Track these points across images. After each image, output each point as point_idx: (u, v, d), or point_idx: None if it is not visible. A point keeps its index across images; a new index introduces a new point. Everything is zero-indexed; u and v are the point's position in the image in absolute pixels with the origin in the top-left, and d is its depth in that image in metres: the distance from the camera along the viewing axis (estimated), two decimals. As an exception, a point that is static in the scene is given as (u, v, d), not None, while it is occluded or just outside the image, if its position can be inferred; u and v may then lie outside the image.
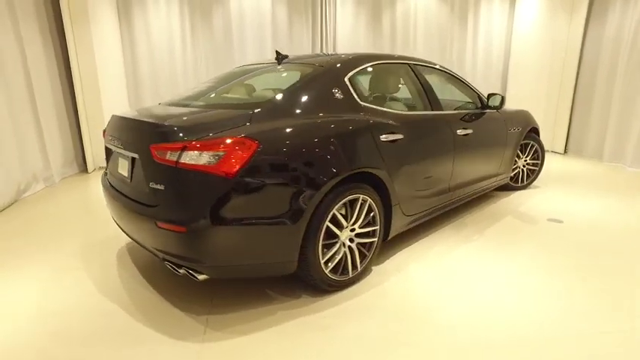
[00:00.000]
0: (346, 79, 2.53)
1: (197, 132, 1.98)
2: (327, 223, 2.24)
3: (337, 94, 2.43)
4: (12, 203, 4.08)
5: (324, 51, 6.81)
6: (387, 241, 2.80)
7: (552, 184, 4.85)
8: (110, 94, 5.57)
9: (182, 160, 1.92)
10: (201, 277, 2.04)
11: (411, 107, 3.11)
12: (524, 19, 6.99)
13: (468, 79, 7.35)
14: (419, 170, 2.84)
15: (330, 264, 2.32)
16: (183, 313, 2.23)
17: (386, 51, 7.04)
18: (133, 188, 2.22)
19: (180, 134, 1.97)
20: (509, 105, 7.14)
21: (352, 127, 2.35)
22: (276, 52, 2.92)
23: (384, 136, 2.52)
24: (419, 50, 7.15)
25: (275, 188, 2.02)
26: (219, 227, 1.93)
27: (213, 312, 2.24)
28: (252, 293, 2.42)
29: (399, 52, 7.09)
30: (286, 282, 2.51)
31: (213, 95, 2.69)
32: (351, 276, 2.46)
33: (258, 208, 1.99)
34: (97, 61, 5.23)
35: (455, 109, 3.53)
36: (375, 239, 2.57)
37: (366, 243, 2.55)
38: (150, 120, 2.16)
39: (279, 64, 2.87)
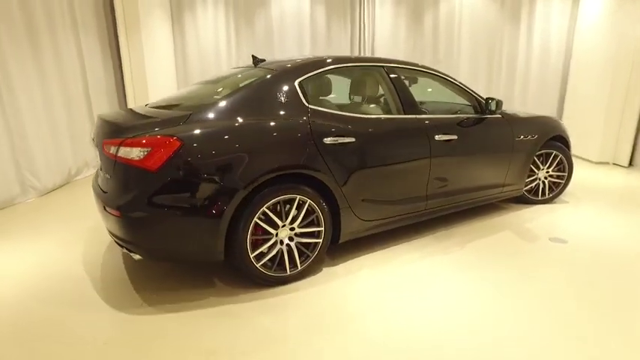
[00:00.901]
0: (296, 83, 2.60)
1: (135, 130, 2.24)
2: (257, 220, 2.36)
3: (281, 98, 2.53)
4: (64, 184, 4.84)
5: (362, 53, 6.82)
6: (353, 242, 2.83)
7: (589, 200, 4.32)
8: (158, 92, 6.23)
9: (119, 154, 2.20)
10: (136, 257, 2.31)
11: (375, 111, 3.07)
12: (590, 12, 6.24)
13: (520, 80, 6.81)
14: (378, 175, 2.80)
15: (263, 259, 2.44)
16: (134, 289, 2.53)
17: (427, 52, 6.81)
18: (101, 178, 2.57)
19: (121, 132, 2.25)
20: (570, 108, 6.47)
21: (286, 130, 2.44)
22: (252, 56, 3.09)
23: (329, 139, 2.55)
24: (463, 51, 6.80)
25: (197, 184, 2.20)
26: (145, 215, 2.17)
27: (159, 291, 2.50)
28: (200, 279, 2.63)
29: (441, 53, 6.81)
30: (237, 273, 2.68)
31: (185, 97, 2.95)
32: (289, 273, 2.55)
33: (180, 200, 2.19)
34: (147, 66, 5.88)
35: (453, 114, 3.39)
36: (320, 240, 2.62)
37: (309, 243, 2.62)
38: (107, 119, 2.48)
39: (255, 68, 3.04)
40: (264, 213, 2.38)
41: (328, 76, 2.88)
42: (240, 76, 2.91)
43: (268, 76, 2.61)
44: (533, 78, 6.94)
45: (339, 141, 2.59)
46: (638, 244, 3.22)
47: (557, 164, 4.10)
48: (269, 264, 2.48)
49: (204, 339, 2.05)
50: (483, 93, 6.91)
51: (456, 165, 3.25)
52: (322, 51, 6.88)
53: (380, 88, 3.09)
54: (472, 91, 3.52)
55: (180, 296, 2.45)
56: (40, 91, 4.34)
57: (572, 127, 6.46)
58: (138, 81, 5.91)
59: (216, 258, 2.35)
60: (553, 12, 6.69)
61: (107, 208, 2.28)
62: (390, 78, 3.03)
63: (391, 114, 3.01)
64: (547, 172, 4.09)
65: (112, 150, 2.23)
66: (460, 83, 3.49)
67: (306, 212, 2.54)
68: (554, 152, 4.03)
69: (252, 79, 2.63)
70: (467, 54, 6.83)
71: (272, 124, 2.42)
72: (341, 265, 2.85)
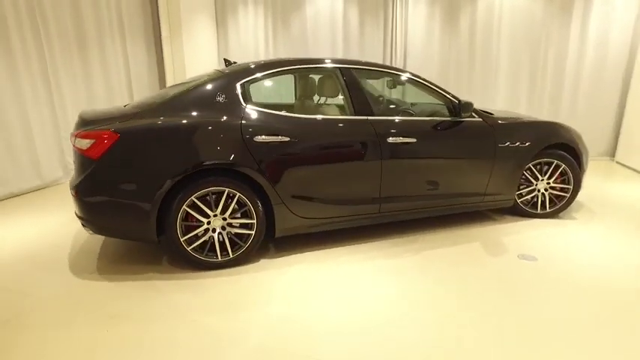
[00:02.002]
0: (238, 85, 2.81)
1: (90, 124, 2.64)
2: (187, 208, 2.63)
3: (220, 99, 2.75)
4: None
5: (394, 53, 6.71)
6: (304, 238, 2.98)
7: (605, 219, 3.82)
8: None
9: (75, 144, 2.62)
10: (89, 232, 2.73)
11: (320, 111, 3.12)
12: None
13: (570, 86, 6.19)
14: (315, 175, 2.88)
15: (194, 243, 2.71)
16: (97, 259, 2.97)
17: (463, 51, 6.48)
18: None
19: (83, 125, 2.67)
20: (632, 118, 5.75)
21: (216, 128, 2.65)
22: (224, 59, 3.35)
23: (260, 137, 2.71)
24: (503, 51, 6.32)
25: (131, 172, 2.54)
26: (92, 196, 2.57)
27: (114, 263, 2.91)
28: (155, 258, 2.98)
29: (478, 53, 6.42)
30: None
31: (152, 97, 3.19)
32: (220, 259, 2.78)
33: (118, 185, 2.54)
34: (187, 66, 6.51)
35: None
36: (252, 232, 2.81)
37: (243, 234, 2.82)
38: (81, 116, 2.91)
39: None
40: (194, 202, 2.64)
41: (279, 77, 3.03)
42: (202, 79, 3.19)
43: (215, 78, 2.85)
44: (585, 84, 6.20)
45: (272, 140, 2.74)
46: (622, 279, 2.83)
47: (562, 175, 3.72)
48: (199, 249, 2.74)
49: (117, 305, 2.39)
50: (525, 99, 6.37)
51: (416, 169, 3.17)
52: (355, 51, 6.93)
53: (331, 89, 3.14)
54: (446, 92, 3.37)
55: (127, 269, 2.82)
56: (85, 90, 5.12)
57: (634, 141, 5.68)
58: (179, 79, 6.58)
59: (150, 239, 2.67)
60: (616, 6, 5.90)
61: (70, 189, 2.73)
62: (343, 79, 3.07)
63: (339, 115, 3.06)
64: (548, 183, 3.73)
65: (73, 140, 2.67)
66: (432, 84, 3.36)
67: (239, 205, 2.75)
68: (556, 162, 3.66)
69: (203, 81, 2.89)
70: (507, 54, 6.34)
71: (204, 122, 2.66)
72: (281, 258, 2.99)
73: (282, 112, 2.87)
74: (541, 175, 3.69)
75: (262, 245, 3.07)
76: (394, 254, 3.07)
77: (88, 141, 2.54)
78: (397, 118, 3.16)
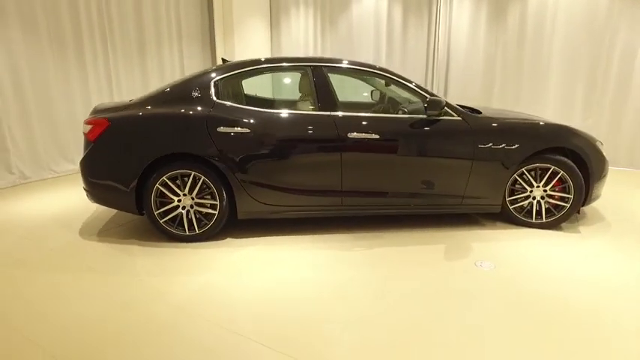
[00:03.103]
0: (212, 82, 3.18)
1: (95, 113, 3.25)
2: (159, 186, 3.09)
3: (195, 94, 3.14)
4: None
5: (436, 54, 6.52)
6: (276, 223, 3.29)
7: (618, 236, 3.41)
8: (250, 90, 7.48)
9: (83, 129, 3.25)
10: (90, 200, 3.34)
11: (285, 106, 3.32)
12: None
13: (637, 87, 5.37)
14: (273, 164, 3.13)
15: (166, 217, 3.16)
16: (105, 223, 3.62)
17: (509, 48, 6.05)
18: None
19: (91, 114, 3.29)
20: None
21: (187, 119, 3.05)
22: (222, 59, 3.75)
23: (222, 128, 3.05)
24: (556, 48, 5.73)
25: (117, 153, 3.08)
26: (89, 171, 3.17)
27: (117, 227, 3.52)
28: (143, 228, 3.52)
29: (527, 52, 5.92)
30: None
31: (152, 91, 3.54)
32: (187, 234, 3.20)
33: (107, 164, 3.11)
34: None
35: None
36: (216, 212, 3.17)
37: (208, 213, 3.19)
38: (95, 107, 3.53)
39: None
40: (165, 182, 3.09)
41: (255, 75, 3.33)
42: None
43: (195, 76, 3.26)
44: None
45: (234, 131, 3.06)
46: (571, 296, 2.58)
47: (562, 182, 3.39)
48: (171, 222, 3.19)
49: (94, 260, 2.94)
50: (580, 102, 5.71)
51: (380, 166, 3.22)
52: (398, 50, 6.89)
53: (302, 86, 3.33)
54: (421, 89, 3.32)
55: (118, 235, 3.38)
56: (141, 88, 6.00)
57: None
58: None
59: (133, 210, 3.19)
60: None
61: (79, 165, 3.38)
62: (313, 78, 3.25)
63: (304, 110, 3.24)
64: (545, 190, 3.43)
65: (83, 126, 3.31)
66: (406, 81, 3.34)
67: (205, 187, 3.13)
68: (553, 168, 3.35)
69: (187, 77, 3.33)
70: (561, 52, 5.72)
71: (178, 113, 3.09)
72: (244, 239, 3.31)
73: (246, 107, 3.17)
74: (536, 181, 3.42)
75: (235, 226, 3.42)
76: (352, 247, 3.17)
77: (89, 126, 3.15)
78: (361, 115, 3.24)
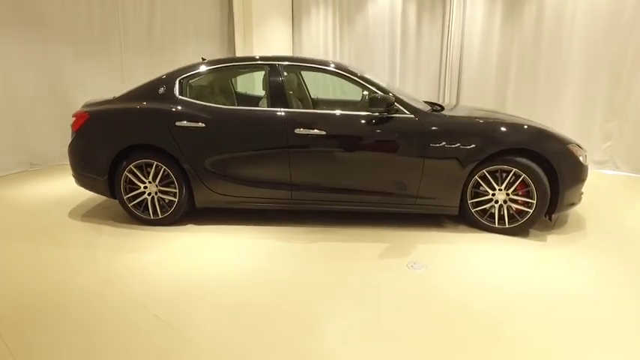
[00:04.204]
0: (177, 80, 3.44)
1: (83, 107, 3.67)
2: (127, 173, 3.43)
3: (161, 90, 3.43)
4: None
5: (450, 49, 6.30)
6: (236, 214, 3.51)
7: (587, 247, 3.16)
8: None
9: (72, 122, 3.70)
10: (76, 184, 3.77)
11: (243, 103, 3.50)
12: None
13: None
14: (227, 157, 3.33)
15: (133, 202, 3.50)
16: (93, 206, 4.06)
17: (525, 46, 5.72)
18: None
19: (78, 108, 3.73)
20: None
21: (149, 113, 3.35)
22: (202, 58, 4.02)
23: (179, 122, 3.30)
24: (575, 46, 5.30)
25: (94, 143, 3.47)
26: (73, 157, 3.59)
27: (100, 211, 3.94)
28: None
29: (544, 49, 5.53)
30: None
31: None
32: (152, 218, 3.50)
33: (87, 152, 3.51)
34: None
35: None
36: (176, 199, 3.44)
37: (172, 200, 3.48)
38: (85, 102, 3.96)
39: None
40: (132, 170, 3.42)
41: (218, 73, 3.56)
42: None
43: (164, 75, 3.56)
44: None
45: (190, 125, 3.31)
46: (489, 304, 2.46)
47: (527, 186, 3.20)
48: (138, 206, 3.52)
49: (69, 235, 3.35)
50: (602, 104, 5.26)
51: (327, 162, 3.28)
52: (412, 49, 6.77)
53: (258, 83, 3.48)
54: (375, 85, 3.30)
55: (100, 216, 3.77)
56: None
57: None
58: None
59: (109, 195, 3.57)
60: None
61: None
62: (269, 75, 3.39)
63: (258, 106, 3.39)
64: (507, 194, 3.26)
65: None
66: (359, 78, 3.34)
67: (167, 176, 3.41)
68: (515, 170, 3.18)
69: (161, 75, 3.63)
70: (581, 51, 5.26)
71: (142, 108, 3.40)
72: (203, 226, 3.54)
73: (205, 103, 3.40)
74: (497, 184, 3.26)
75: (203, 214, 3.67)
76: (297, 239, 3.28)
77: (74, 118, 3.58)
78: (308, 111, 3.32)
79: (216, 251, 3.09)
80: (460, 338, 2.09)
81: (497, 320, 2.24)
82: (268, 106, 3.35)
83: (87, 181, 3.63)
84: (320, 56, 7.64)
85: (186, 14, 6.68)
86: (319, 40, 7.69)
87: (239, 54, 7.38)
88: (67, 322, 2.24)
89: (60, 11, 5.34)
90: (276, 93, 3.35)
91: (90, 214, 3.84)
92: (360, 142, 3.27)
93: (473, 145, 3.18)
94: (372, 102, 3.13)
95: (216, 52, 7.28)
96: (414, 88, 6.83)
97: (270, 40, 7.50)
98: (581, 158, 3.28)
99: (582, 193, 3.52)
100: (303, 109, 3.63)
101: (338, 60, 7.59)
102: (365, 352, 1.99)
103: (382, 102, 3.12)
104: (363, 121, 3.26)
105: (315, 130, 3.24)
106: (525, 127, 3.30)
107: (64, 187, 4.72)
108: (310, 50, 7.77)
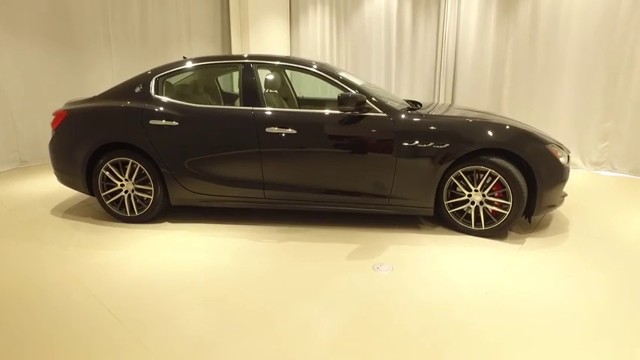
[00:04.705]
0: (154, 79, 3.46)
1: (65, 105, 3.73)
2: (104, 171, 3.46)
3: (137, 89, 3.46)
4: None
5: (445, 46, 6.20)
6: (214, 212, 3.54)
7: (564, 253, 3.06)
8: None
9: (52, 120, 3.75)
10: (58, 181, 3.83)
11: (210, 101, 3.50)
12: None
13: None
14: (200, 155, 3.32)
15: (110, 199, 3.53)
16: (77, 202, 4.12)
17: (521, 45, 5.59)
18: None
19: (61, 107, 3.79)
20: None
21: (123, 111, 3.38)
22: (183, 57, 4.04)
23: (153, 121, 3.32)
24: (570, 46, 5.15)
25: (71, 140, 3.51)
26: (53, 155, 3.64)
27: (82, 207, 3.99)
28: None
29: (540, 47, 5.40)
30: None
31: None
32: (129, 215, 3.53)
33: (65, 149, 3.55)
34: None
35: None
36: (151, 197, 3.46)
37: (148, 198, 3.50)
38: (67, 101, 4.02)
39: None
40: (109, 167, 3.45)
41: (194, 72, 3.56)
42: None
43: (142, 74, 3.58)
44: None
45: (163, 123, 3.32)
46: (450, 309, 2.39)
47: (502, 188, 3.12)
48: (115, 204, 3.55)
49: (46, 231, 3.40)
50: (599, 103, 5.15)
51: (299, 161, 3.25)
52: (407, 47, 6.69)
53: (231, 82, 3.47)
54: (346, 83, 3.26)
55: (80, 213, 3.81)
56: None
57: None
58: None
59: (88, 193, 3.61)
60: None
61: None
62: (242, 74, 3.38)
63: (231, 105, 3.38)
64: (483, 195, 3.18)
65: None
66: (335, 79, 3.30)
67: (142, 173, 3.43)
68: (490, 170, 3.09)
69: (139, 74, 3.66)
70: (577, 49, 5.11)
71: (117, 106, 3.42)
72: (178, 223, 3.56)
73: (178, 101, 3.40)
74: (473, 184, 3.18)
75: (176, 212, 3.69)
76: (267, 238, 3.26)
77: (54, 117, 3.63)
78: (279, 110, 3.29)
79: (186, 249, 3.10)
80: (416, 340, 2.04)
81: (458, 323, 2.18)
82: (241, 105, 3.34)
83: (66, 178, 3.68)
84: (317, 55, 7.61)
85: (179, 12, 6.71)
86: (316, 38, 7.66)
87: (235, 53, 7.40)
88: (22, 317, 2.26)
89: (50, 10, 5.41)
90: (249, 92, 3.34)
91: (71, 211, 3.89)
92: (330, 141, 3.23)
93: (446, 145, 3.11)
94: (340, 100, 3.08)
95: (211, 51, 7.31)
96: (410, 88, 6.75)
97: (267, 39, 7.50)
98: (561, 159, 3.18)
99: (565, 195, 3.42)
100: (282, 107, 3.61)
101: (335, 59, 7.56)
102: (315, 353, 1.96)
103: (352, 100, 3.07)
104: (334, 120, 3.22)
105: (286, 129, 3.21)
106: (507, 127, 3.21)
107: (53, 185, 4.79)
108: (307, 49, 7.75)
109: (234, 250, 3.07)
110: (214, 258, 2.95)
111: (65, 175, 3.67)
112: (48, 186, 4.72)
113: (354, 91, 3.22)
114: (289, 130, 3.21)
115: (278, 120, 3.24)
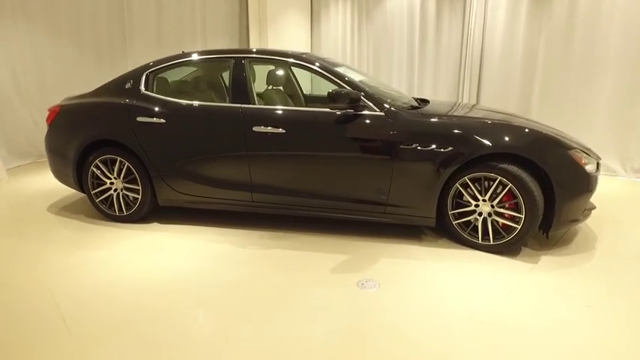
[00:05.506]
0: (144, 74, 3.33)
1: (62, 102, 3.69)
2: (93, 169, 3.38)
3: (127, 85, 3.34)
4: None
5: (470, 43, 5.74)
6: (204, 214, 3.41)
7: (581, 275, 2.64)
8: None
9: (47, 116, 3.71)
10: (54, 177, 3.78)
11: (198, 98, 3.33)
12: None
13: None
14: (187, 154, 3.16)
15: (100, 197, 3.44)
16: (70, 200, 4.09)
17: (555, 40, 5.04)
18: None
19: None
20: None
21: (112, 108, 3.27)
22: (182, 52, 3.90)
23: (141, 117, 3.18)
24: (612, 42, 4.59)
25: (63, 136, 3.45)
26: (47, 150, 3.60)
27: (74, 204, 3.94)
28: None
29: (577, 44, 4.85)
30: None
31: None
32: (117, 214, 3.43)
33: (57, 145, 3.49)
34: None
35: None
36: (139, 196, 3.34)
37: (133, 197, 3.38)
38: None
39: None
40: (98, 165, 3.36)
41: (184, 67, 3.41)
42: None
43: (135, 69, 3.46)
44: None
45: (150, 121, 3.18)
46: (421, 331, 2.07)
47: (515, 198, 2.73)
48: (105, 202, 3.45)
49: (33, 227, 3.36)
50: None
51: (287, 162, 3.02)
52: (431, 42, 6.28)
53: (220, 78, 3.28)
54: (344, 81, 2.97)
55: (79, 210, 3.76)
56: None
57: None
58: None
59: (80, 190, 3.54)
60: None
61: None
62: (232, 69, 3.17)
63: (220, 102, 3.19)
64: (492, 206, 2.80)
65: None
66: (332, 75, 3.01)
67: (131, 172, 3.32)
68: (500, 178, 2.72)
69: (132, 70, 3.55)
70: (619, 46, 4.54)
71: (106, 102, 3.32)
72: (165, 225, 3.41)
73: (167, 98, 3.25)
74: (481, 194, 2.81)
75: (168, 212, 3.55)
76: (253, 244, 3.05)
77: (48, 112, 3.60)
78: (268, 107, 3.06)
79: (168, 252, 2.94)
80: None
81: (442, 356, 1.86)
82: (230, 102, 3.14)
83: (60, 175, 3.64)
84: (338, 52, 7.34)
85: (195, 11, 6.63)
86: (337, 35, 7.38)
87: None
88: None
89: (64, 6, 5.47)
90: (238, 88, 3.13)
91: (67, 208, 3.85)
92: (322, 141, 2.96)
93: (450, 148, 2.76)
94: (332, 98, 2.80)
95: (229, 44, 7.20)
96: (433, 86, 6.34)
97: (287, 36, 7.31)
98: (587, 167, 2.75)
99: (592, 208, 2.97)
100: (286, 105, 3.38)
101: (356, 56, 7.26)
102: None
103: (345, 97, 2.78)
104: (326, 119, 2.94)
105: (275, 128, 2.98)
106: (525, 130, 2.82)
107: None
108: (329, 46, 7.49)
109: (215, 255, 2.88)
110: (190, 264, 2.76)
111: (59, 172, 3.62)
112: (55, 182, 4.75)
113: (348, 88, 2.93)
114: (277, 129, 2.97)
115: (266, 118, 3.01)
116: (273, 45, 7.16)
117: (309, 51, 7.66)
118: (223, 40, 7.13)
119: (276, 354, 1.90)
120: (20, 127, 5.39)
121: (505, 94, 5.52)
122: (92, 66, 5.81)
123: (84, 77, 5.75)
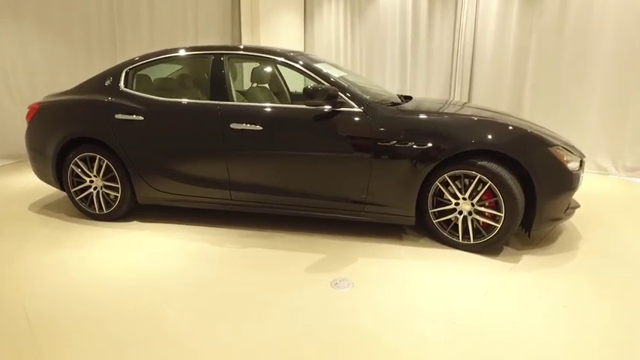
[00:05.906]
0: (124, 71, 3.29)
1: (42, 99, 3.66)
2: (73, 166, 3.34)
3: (107, 82, 3.30)
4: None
5: (461, 40, 5.68)
6: (187, 213, 3.40)
7: (561, 276, 2.58)
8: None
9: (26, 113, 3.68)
10: (36, 177, 3.76)
11: (177, 95, 3.31)
12: None
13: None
14: (162, 152, 3.14)
15: (79, 196, 3.41)
16: (54, 198, 4.06)
17: (546, 37, 4.98)
18: None
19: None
20: None
21: (91, 105, 3.24)
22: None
23: (119, 115, 3.15)
24: (604, 39, 4.53)
25: (43, 134, 3.42)
26: (27, 148, 3.57)
27: (58, 203, 3.92)
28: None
29: (569, 40, 4.79)
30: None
31: None
32: (97, 212, 3.40)
33: (37, 143, 3.47)
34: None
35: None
36: (119, 194, 3.30)
37: (113, 195, 3.35)
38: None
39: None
40: (77, 163, 3.33)
41: (165, 64, 3.37)
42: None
43: (115, 66, 3.43)
44: None
45: (128, 118, 3.14)
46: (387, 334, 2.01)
47: (495, 196, 2.68)
48: (85, 200, 3.42)
49: (10, 227, 3.33)
50: (636, 107, 4.43)
51: (265, 160, 2.98)
52: (423, 40, 6.22)
53: (203, 75, 3.23)
54: (322, 77, 2.92)
55: (61, 209, 3.71)
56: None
57: None
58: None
59: (60, 188, 3.51)
60: None
61: None
62: (211, 66, 3.13)
63: (198, 99, 3.15)
64: (472, 204, 2.75)
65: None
66: (311, 71, 2.96)
67: (110, 170, 3.29)
68: (479, 176, 2.66)
69: (112, 67, 3.51)
70: (612, 43, 4.48)
71: (84, 100, 3.29)
72: (145, 223, 3.38)
73: (145, 95, 3.21)
74: (461, 192, 2.76)
75: (149, 210, 3.52)
76: (229, 243, 3.01)
77: (28, 110, 3.57)
78: (244, 104, 3.02)
79: (146, 251, 2.90)
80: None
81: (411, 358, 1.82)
82: (209, 99, 3.10)
83: (40, 173, 3.61)
84: (332, 51, 7.30)
85: (187, 10, 6.60)
86: (331, 34, 7.34)
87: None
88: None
89: (55, 5, 5.44)
90: (216, 85, 3.09)
91: (49, 207, 3.82)
92: (299, 138, 2.92)
93: (429, 145, 2.71)
94: (308, 94, 2.75)
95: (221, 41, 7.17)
96: (425, 84, 6.28)
97: (279, 35, 7.27)
98: (569, 164, 2.69)
99: (576, 207, 2.92)
100: (272, 102, 3.33)
101: (349, 55, 7.21)
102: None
103: (322, 93, 2.74)
104: (303, 116, 2.90)
105: (251, 125, 2.93)
106: (509, 127, 2.76)
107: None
108: (322, 45, 7.45)
109: (193, 254, 2.84)
110: (169, 263, 2.72)
111: (39, 170, 3.60)
112: (39, 180, 4.73)
113: (326, 84, 2.89)
114: (254, 126, 2.93)
115: (243, 115, 2.97)
116: (265, 44, 7.12)
117: (303, 50, 7.62)
118: (215, 39, 7.08)
119: (244, 353, 1.86)
120: (10, 126, 5.38)
121: (497, 92, 5.47)
122: (83, 65, 5.78)
123: (75, 76, 5.68)
